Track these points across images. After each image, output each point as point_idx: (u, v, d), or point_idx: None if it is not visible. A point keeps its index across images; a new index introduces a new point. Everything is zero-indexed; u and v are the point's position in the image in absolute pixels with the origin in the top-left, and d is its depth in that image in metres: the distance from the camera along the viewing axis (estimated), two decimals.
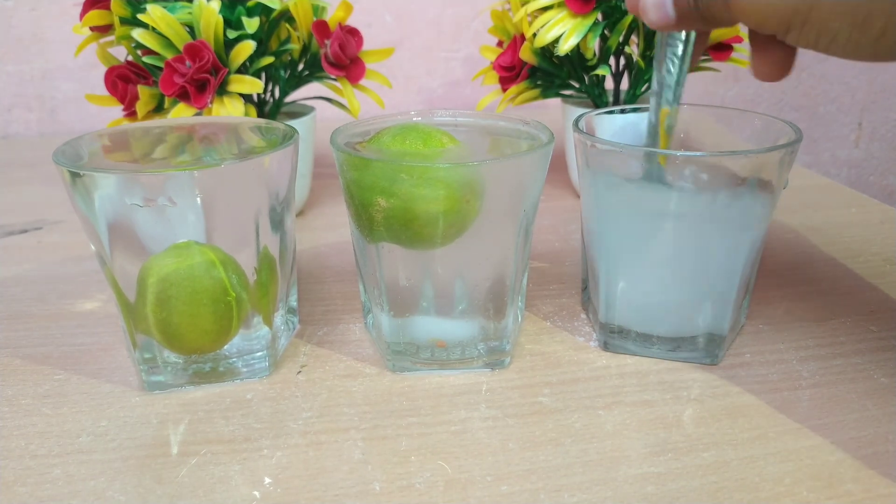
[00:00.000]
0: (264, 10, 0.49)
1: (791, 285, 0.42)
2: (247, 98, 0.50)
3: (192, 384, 0.33)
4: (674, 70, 0.33)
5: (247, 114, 0.48)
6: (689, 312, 0.34)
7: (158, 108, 0.49)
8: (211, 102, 0.46)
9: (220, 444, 0.30)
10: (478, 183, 0.30)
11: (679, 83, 0.34)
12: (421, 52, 0.87)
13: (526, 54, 0.52)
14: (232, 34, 0.47)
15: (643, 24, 0.52)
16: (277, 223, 0.33)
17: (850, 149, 1.01)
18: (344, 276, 0.45)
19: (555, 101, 0.59)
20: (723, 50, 0.52)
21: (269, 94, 0.53)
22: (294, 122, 0.51)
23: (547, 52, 0.52)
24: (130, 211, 0.29)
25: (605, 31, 0.51)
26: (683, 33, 0.33)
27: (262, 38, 0.49)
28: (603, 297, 0.35)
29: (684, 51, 0.33)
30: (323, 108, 0.57)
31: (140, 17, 0.45)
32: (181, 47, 0.45)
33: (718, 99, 0.97)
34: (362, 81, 0.53)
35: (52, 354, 0.36)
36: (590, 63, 0.52)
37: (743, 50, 0.54)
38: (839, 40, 0.26)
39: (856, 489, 0.27)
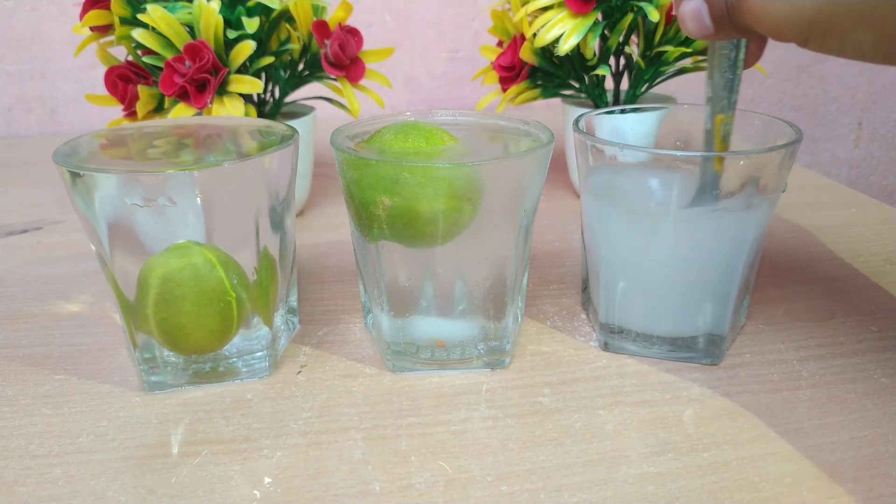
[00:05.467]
0: (264, 10, 0.49)
1: (791, 285, 0.42)
2: (247, 98, 0.50)
3: (192, 384, 0.33)
4: (727, 77, 0.33)
5: (247, 114, 0.48)
6: (689, 312, 0.34)
7: (158, 108, 0.49)
8: (211, 102, 0.46)
9: (220, 444, 0.30)
10: (479, 182, 0.30)
11: (733, 89, 0.33)
12: (421, 52, 0.87)
13: (526, 54, 0.52)
14: (232, 34, 0.47)
15: (643, 25, 0.52)
16: (277, 223, 0.33)
17: (850, 149, 1.01)
18: (344, 276, 0.45)
19: (555, 101, 0.59)
20: None
21: (269, 94, 0.53)
22: (294, 122, 0.51)
23: (547, 52, 0.52)
24: (130, 211, 0.29)
25: (605, 31, 0.51)
26: (734, 40, 0.32)
27: (262, 38, 0.49)
28: (603, 297, 0.35)
29: (736, 57, 0.32)
30: (323, 108, 0.57)
31: (140, 17, 0.45)
32: (181, 47, 0.45)
33: None
34: (362, 81, 0.53)
35: (52, 354, 0.36)
36: (590, 63, 0.52)
37: None
38: (864, 49, 0.25)
39: (856, 489, 0.27)
